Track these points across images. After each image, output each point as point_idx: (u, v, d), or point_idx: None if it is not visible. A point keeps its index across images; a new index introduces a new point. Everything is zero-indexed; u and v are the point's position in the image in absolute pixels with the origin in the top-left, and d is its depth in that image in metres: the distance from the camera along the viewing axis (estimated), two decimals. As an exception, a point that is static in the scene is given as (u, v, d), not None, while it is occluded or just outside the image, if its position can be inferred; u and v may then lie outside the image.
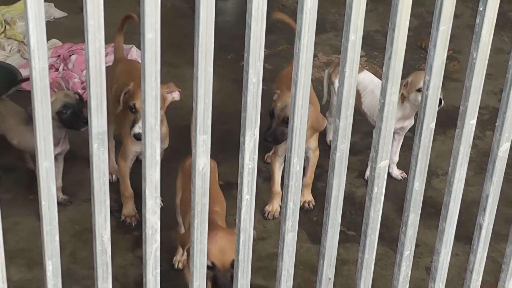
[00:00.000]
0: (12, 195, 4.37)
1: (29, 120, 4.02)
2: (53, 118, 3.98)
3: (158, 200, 2.72)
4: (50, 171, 2.52)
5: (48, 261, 2.69)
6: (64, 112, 4.04)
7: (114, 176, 4.75)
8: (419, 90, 4.25)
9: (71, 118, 4.06)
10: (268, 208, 4.42)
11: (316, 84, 5.24)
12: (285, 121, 4.03)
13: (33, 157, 4.21)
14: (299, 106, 2.76)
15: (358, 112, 4.46)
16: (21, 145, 4.29)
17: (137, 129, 3.98)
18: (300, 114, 2.77)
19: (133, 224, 4.38)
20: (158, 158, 2.64)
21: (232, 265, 3.36)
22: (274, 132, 4.14)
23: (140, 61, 5.01)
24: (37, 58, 2.31)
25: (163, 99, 4.11)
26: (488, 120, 5.13)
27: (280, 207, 4.30)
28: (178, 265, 4.09)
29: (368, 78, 4.74)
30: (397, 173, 4.71)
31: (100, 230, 2.71)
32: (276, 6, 6.40)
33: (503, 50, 5.71)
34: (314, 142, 4.46)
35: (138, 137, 3.98)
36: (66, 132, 4.18)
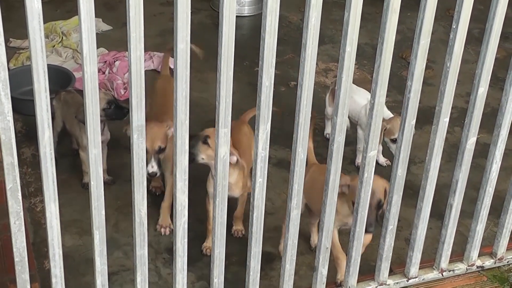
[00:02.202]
0: (67, 175, 4.35)
1: (77, 113, 4.04)
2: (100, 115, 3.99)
3: (187, 182, 2.70)
4: (98, 157, 2.50)
5: (95, 231, 2.68)
6: (109, 107, 4.04)
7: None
8: (392, 140, 4.24)
9: (114, 111, 4.06)
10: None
11: (316, 87, 5.19)
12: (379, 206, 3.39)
13: (76, 140, 4.30)
14: (304, 105, 2.73)
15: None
16: (70, 131, 4.31)
17: (149, 168, 3.71)
18: (304, 112, 2.74)
19: (157, 194, 4.25)
20: (187, 147, 2.62)
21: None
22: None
23: (173, 67, 4.96)
24: (89, 63, 2.29)
25: (166, 136, 3.81)
26: (457, 118, 5.07)
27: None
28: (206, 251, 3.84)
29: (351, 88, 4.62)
30: (382, 160, 4.66)
31: (139, 206, 2.69)
32: (283, 22, 6.35)
33: (469, 61, 5.65)
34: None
35: (152, 175, 3.78)
36: (105, 125, 4.15)
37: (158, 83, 4.41)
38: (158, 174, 3.80)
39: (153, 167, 3.74)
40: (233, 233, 3.99)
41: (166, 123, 3.79)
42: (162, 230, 3.98)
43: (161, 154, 3.79)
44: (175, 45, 2.40)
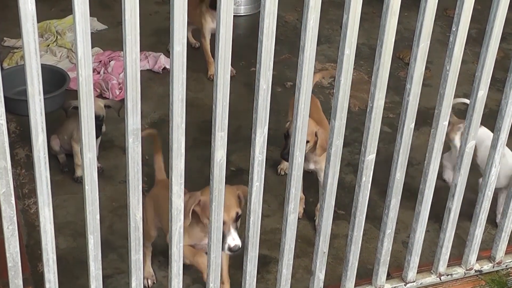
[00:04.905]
0: (61, 177, 4.32)
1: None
2: None
3: (182, 186, 2.67)
4: (93, 161, 2.46)
5: (90, 235, 2.65)
6: None
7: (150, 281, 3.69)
8: None
9: None
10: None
11: (313, 88, 5.15)
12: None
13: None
14: (301, 109, 2.70)
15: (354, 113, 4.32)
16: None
17: (231, 241, 3.09)
18: (302, 116, 2.71)
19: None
20: (183, 151, 2.59)
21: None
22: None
23: (168, 67, 4.92)
24: (84, 66, 2.26)
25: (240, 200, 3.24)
26: (454, 119, 5.06)
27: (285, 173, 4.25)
28: None
29: (485, 134, 3.97)
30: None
31: (134, 210, 2.66)
32: (279, 22, 6.31)
33: (466, 61, 5.62)
34: (323, 162, 3.56)
35: (234, 250, 3.11)
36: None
37: (154, 192, 3.65)
38: (240, 247, 3.14)
39: (235, 239, 3.11)
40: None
41: (237, 187, 3.24)
42: None
43: (238, 221, 3.18)
44: (172, 47, 2.37)
